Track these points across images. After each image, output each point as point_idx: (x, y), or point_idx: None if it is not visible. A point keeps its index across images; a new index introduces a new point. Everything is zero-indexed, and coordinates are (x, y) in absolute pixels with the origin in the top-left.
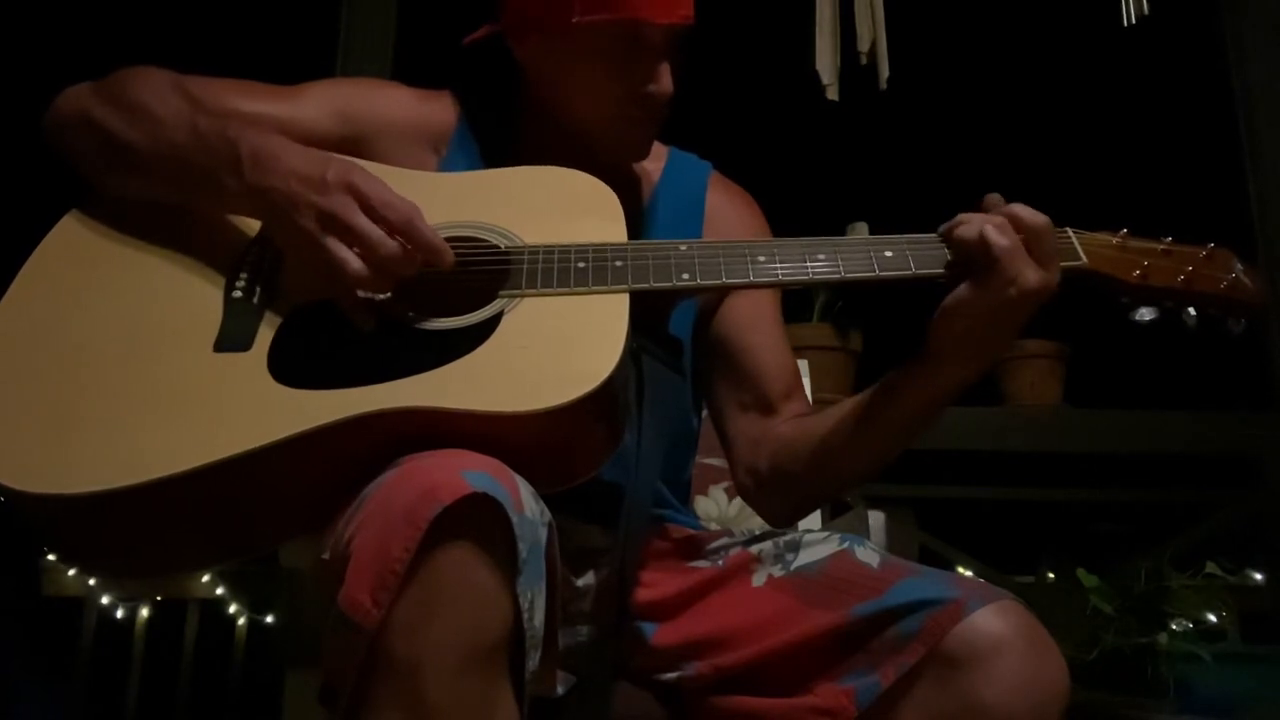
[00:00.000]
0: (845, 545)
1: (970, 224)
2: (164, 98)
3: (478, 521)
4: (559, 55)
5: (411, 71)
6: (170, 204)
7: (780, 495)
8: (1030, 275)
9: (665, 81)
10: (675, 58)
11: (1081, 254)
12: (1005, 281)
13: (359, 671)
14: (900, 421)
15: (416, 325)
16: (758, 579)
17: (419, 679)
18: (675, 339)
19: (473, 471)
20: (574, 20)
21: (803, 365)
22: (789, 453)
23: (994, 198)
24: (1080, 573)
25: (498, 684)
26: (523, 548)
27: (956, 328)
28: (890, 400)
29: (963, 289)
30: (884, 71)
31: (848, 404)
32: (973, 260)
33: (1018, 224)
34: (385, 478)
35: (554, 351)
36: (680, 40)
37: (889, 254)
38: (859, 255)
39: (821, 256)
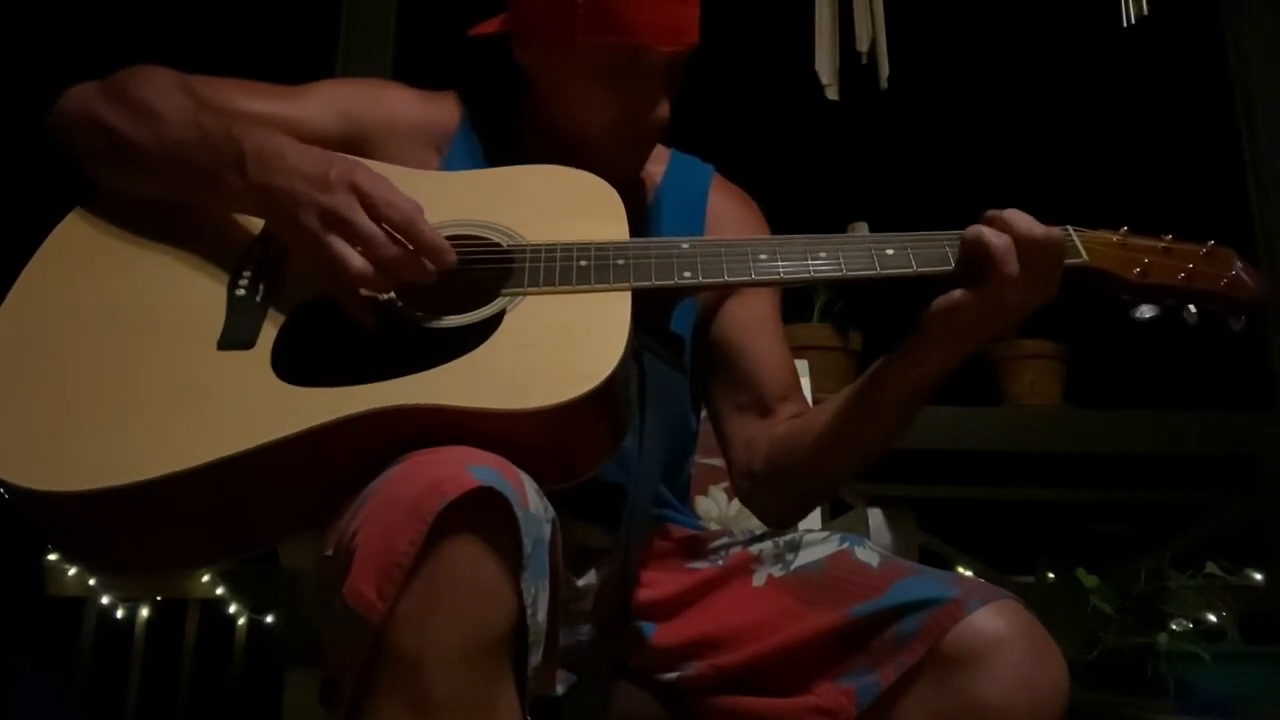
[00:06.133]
0: (845, 545)
1: (976, 226)
2: (168, 96)
3: (483, 516)
4: (560, 67)
5: (412, 71)
6: (174, 202)
7: (775, 495)
8: (1036, 280)
9: (662, 109)
10: (677, 75)
11: (1082, 251)
12: (1002, 286)
13: (362, 665)
14: (888, 411)
15: (419, 323)
16: (758, 579)
17: (422, 672)
18: (676, 337)
19: (478, 466)
20: (577, 37)
21: (803, 365)
22: (782, 452)
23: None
24: (1080, 573)
25: (500, 679)
26: (527, 543)
27: (955, 324)
28: (877, 390)
29: (962, 291)
30: (884, 71)
31: (836, 398)
32: (973, 261)
33: (1023, 232)
34: (390, 473)
35: (556, 349)
36: (683, 58)
37: (890, 252)
38: (860, 253)
39: (823, 255)
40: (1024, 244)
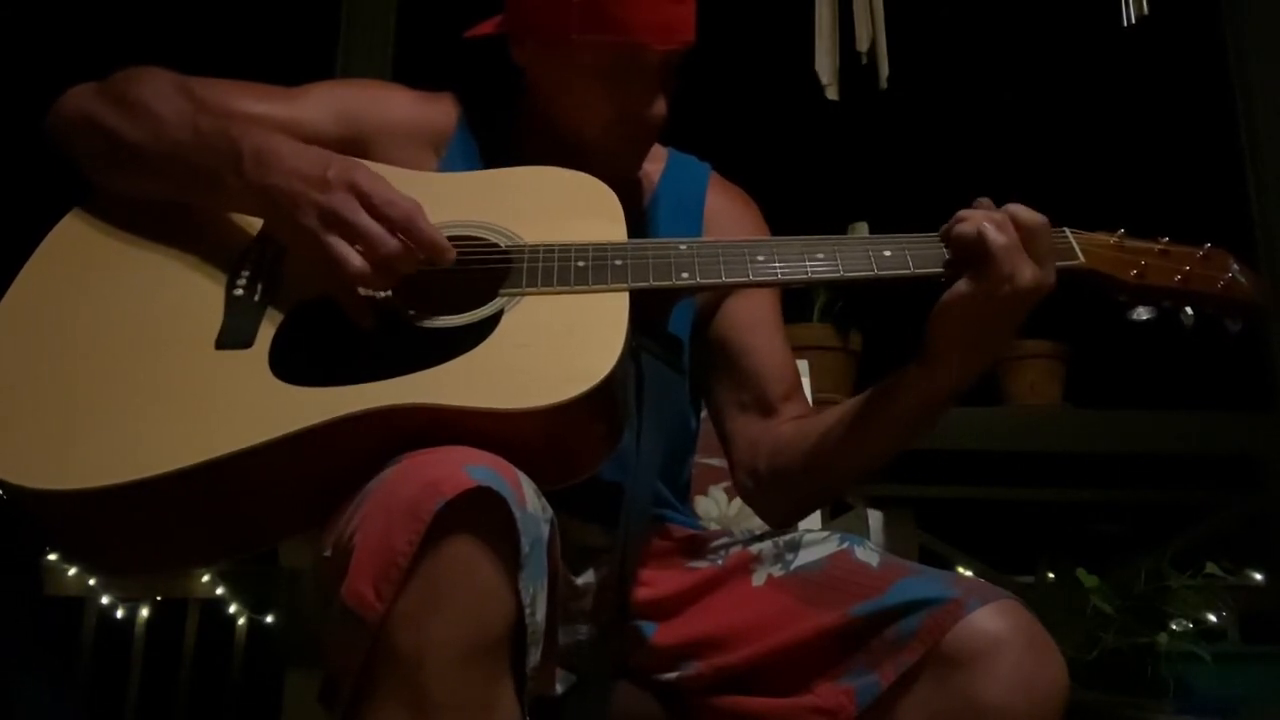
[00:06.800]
0: (845, 545)
1: (968, 221)
2: (166, 97)
3: (481, 516)
4: (556, 66)
5: (411, 71)
6: (173, 202)
7: (779, 495)
8: (1026, 273)
9: (658, 107)
10: (672, 74)
11: (1079, 253)
12: (1001, 279)
13: (361, 665)
14: (898, 423)
15: (417, 323)
16: (758, 578)
17: (421, 672)
18: (674, 338)
19: (476, 466)
20: (573, 35)
21: (803, 365)
22: (787, 453)
23: (984, 201)
24: (1080, 573)
25: (499, 679)
26: (525, 543)
27: (953, 325)
28: (888, 401)
29: (959, 285)
30: (884, 71)
31: (846, 405)
32: (970, 258)
33: (1015, 222)
34: (388, 473)
35: (554, 349)
36: (679, 56)
37: (888, 253)
38: (858, 254)
39: (820, 256)
40: (1015, 223)
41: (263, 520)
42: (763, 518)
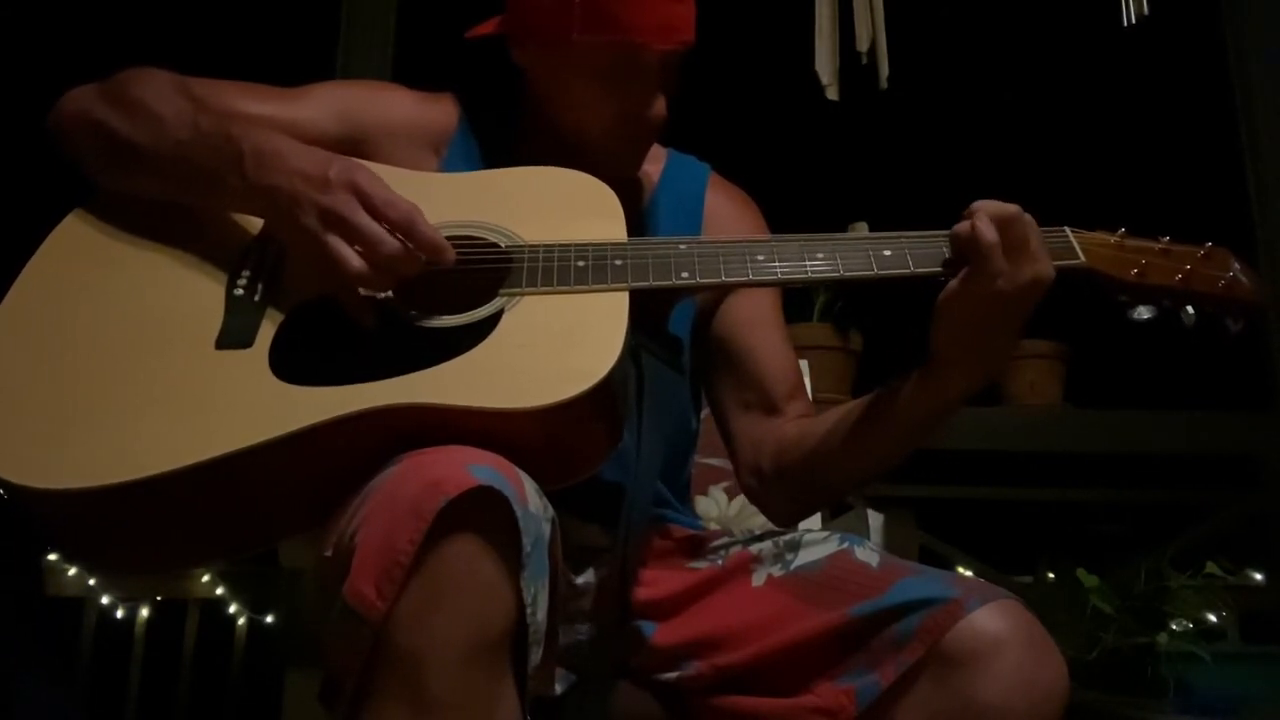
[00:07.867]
0: (845, 545)
1: (964, 220)
2: (167, 97)
3: (483, 515)
4: (556, 67)
5: (412, 72)
6: (173, 202)
7: (783, 495)
8: (1022, 268)
9: (659, 107)
10: (673, 74)
11: (1080, 252)
12: (994, 274)
13: (363, 665)
14: (903, 426)
15: (417, 323)
16: (757, 578)
17: (423, 671)
18: (675, 337)
19: (478, 465)
20: (573, 36)
21: (803, 365)
22: (792, 454)
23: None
24: (1080, 573)
25: (501, 678)
26: (527, 542)
27: (953, 325)
28: (893, 404)
29: (954, 284)
30: (884, 71)
31: (852, 406)
32: (966, 256)
33: (994, 218)
34: (390, 472)
35: (554, 349)
36: (679, 57)
37: (887, 252)
38: (857, 254)
39: (820, 255)
40: (999, 223)
41: (263, 520)
42: (768, 516)
